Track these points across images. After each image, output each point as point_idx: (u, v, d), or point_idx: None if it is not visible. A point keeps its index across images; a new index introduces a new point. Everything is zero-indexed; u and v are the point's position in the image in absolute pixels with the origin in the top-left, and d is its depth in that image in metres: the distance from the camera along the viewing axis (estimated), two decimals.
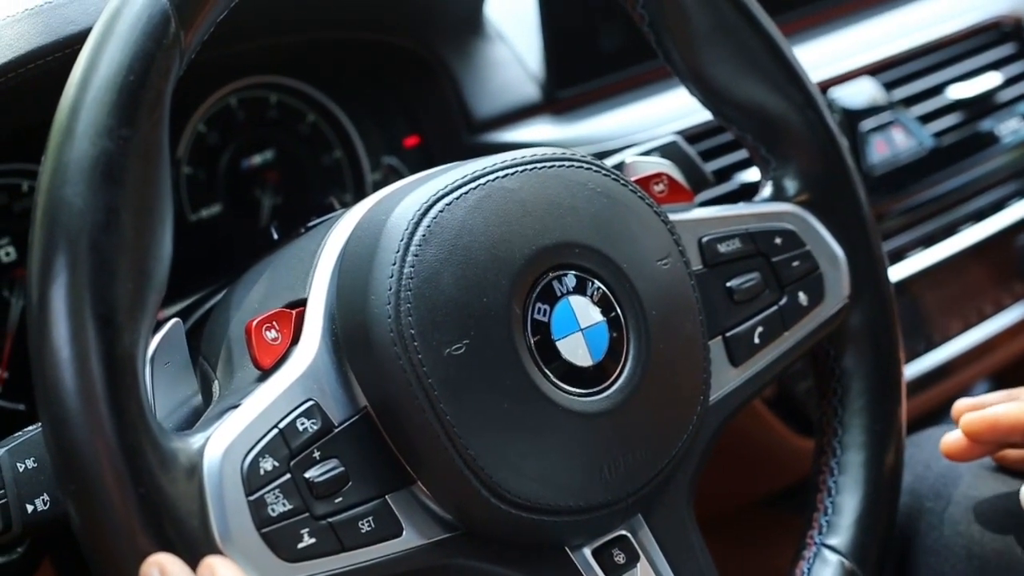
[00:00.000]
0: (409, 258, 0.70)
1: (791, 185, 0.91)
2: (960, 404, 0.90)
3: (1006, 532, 0.87)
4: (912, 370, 1.31)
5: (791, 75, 0.89)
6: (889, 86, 1.34)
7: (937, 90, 1.38)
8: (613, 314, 0.76)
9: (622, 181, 0.79)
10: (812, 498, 0.91)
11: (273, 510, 0.67)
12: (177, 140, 1.16)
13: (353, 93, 1.25)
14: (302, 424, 0.69)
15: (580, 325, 0.75)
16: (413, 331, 0.69)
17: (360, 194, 1.24)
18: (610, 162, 0.86)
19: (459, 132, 1.24)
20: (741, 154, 1.22)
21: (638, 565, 0.78)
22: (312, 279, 0.75)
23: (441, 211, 0.72)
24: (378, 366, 0.70)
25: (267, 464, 0.67)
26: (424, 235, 0.71)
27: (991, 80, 1.39)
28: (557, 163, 0.77)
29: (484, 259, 0.72)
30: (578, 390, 0.74)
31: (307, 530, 0.67)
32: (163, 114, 0.67)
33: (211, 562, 0.62)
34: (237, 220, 1.20)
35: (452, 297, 0.70)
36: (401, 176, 1.19)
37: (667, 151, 0.94)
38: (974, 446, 0.88)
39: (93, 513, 0.62)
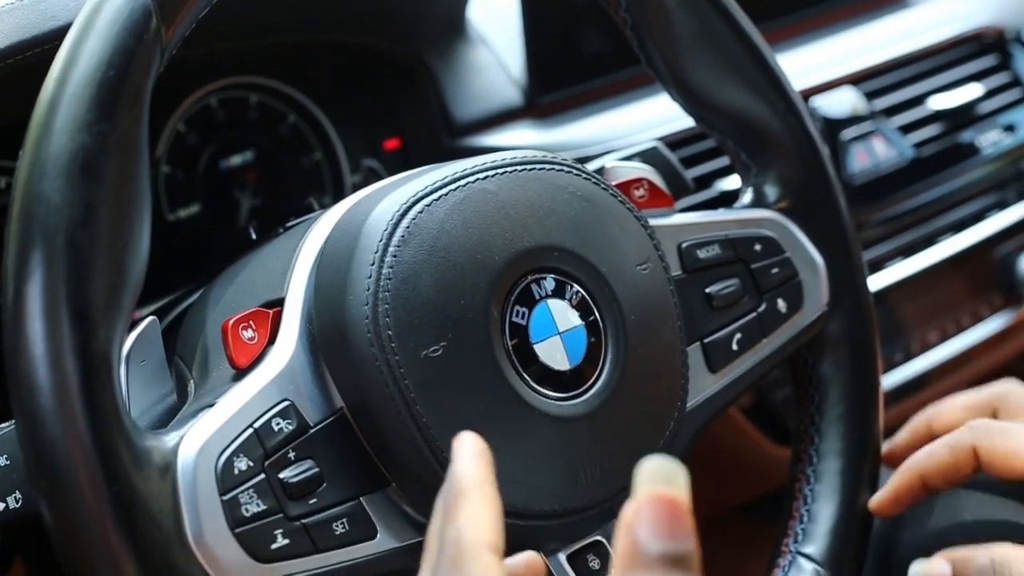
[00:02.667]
0: (387, 259, 0.70)
1: (771, 192, 0.91)
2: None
3: (987, 540, 0.87)
4: (890, 380, 1.31)
5: (773, 81, 0.89)
6: (870, 96, 1.34)
7: (918, 100, 1.38)
8: (592, 318, 0.76)
9: (603, 185, 0.79)
10: (788, 506, 0.91)
11: (247, 510, 0.66)
12: (156, 140, 1.15)
13: (334, 95, 1.25)
14: (277, 424, 0.69)
15: (558, 329, 0.74)
16: (390, 332, 0.68)
17: (339, 196, 1.24)
18: (591, 167, 0.86)
19: (440, 135, 1.24)
20: (722, 161, 1.22)
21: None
22: (290, 278, 0.75)
23: (420, 212, 0.72)
24: (355, 367, 0.69)
25: (241, 464, 0.67)
26: (403, 236, 0.71)
27: (972, 91, 1.39)
28: (537, 166, 0.77)
29: (463, 261, 0.71)
30: (555, 394, 0.73)
31: (281, 531, 0.67)
32: (143, 110, 0.66)
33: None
34: (215, 220, 1.19)
35: (430, 299, 0.70)
36: (381, 178, 1.19)
37: (648, 156, 0.94)
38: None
39: (65, 510, 0.62)
